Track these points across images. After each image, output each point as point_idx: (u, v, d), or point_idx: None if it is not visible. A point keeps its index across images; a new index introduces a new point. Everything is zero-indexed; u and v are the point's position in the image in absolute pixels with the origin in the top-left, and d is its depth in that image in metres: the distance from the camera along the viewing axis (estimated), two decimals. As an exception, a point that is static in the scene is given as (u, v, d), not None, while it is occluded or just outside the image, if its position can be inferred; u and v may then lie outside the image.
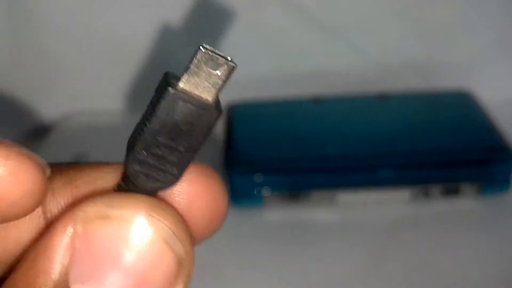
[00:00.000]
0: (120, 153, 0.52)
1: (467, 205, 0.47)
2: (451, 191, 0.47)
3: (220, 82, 0.19)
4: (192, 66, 0.19)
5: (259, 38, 0.55)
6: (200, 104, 0.19)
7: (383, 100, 0.53)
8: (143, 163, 0.20)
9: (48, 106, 0.57)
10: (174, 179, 0.20)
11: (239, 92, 0.55)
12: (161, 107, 0.19)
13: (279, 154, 0.48)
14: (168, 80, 0.19)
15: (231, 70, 0.19)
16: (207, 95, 0.19)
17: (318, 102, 0.53)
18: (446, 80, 0.56)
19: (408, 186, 0.47)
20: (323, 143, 0.48)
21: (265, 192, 0.46)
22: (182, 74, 0.19)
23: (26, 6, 0.53)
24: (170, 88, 0.19)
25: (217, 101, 0.20)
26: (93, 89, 0.56)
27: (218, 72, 0.19)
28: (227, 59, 0.19)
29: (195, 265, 0.20)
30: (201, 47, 0.19)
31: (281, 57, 0.56)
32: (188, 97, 0.19)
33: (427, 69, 0.57)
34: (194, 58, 0.19)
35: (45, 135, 0.53)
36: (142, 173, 0.20)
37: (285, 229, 0.46)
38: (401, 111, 0.53)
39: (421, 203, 0.47)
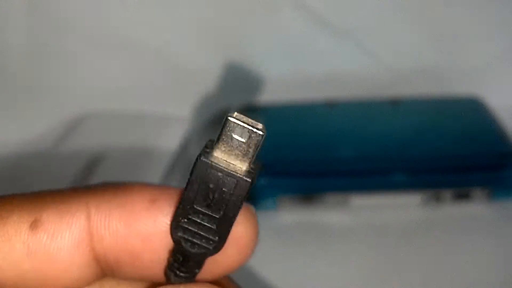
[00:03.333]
0: (136, 154, 0.52)
1: (478, 209, 0.47)
2: (462, 195, 0.47)
3: (251, 151, 0.20)
4: (222, 136, 0.20)
5: (273, 42, 0.55)
6: (230, 174, 0.20)
7: (395, 105, 0.54)
8: (186, 229, 0.21)
9: (65, 107, 0.57)
10: (217, 245, 0.21)
11: (252, 94, 0.56)
12: (194, 176, 0.20)
13: (292, 157, 0.48)
14: (203, 149, 0.20)
15: (260, 138, 0.20)
16: (240, 163, 0.20)
17: (331, 106, 0.54)
18: (458, 86, 0.56)
19: (419, 190, 0.47)
20: (336, 146, 0.49)
21: (279, 194, 0.47)
22: (215, 143, 0.20)
23: (44, 6, 0.53)
24: (201, 158, 0.20)
25: (251, 170, 0.20)
26: (110, 91, 0.57)
27: (248, 141, 0.20)
28: (255, 128, 0.19)
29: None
30: (229, 117, 0.19)
31: (296, 61, 0.56)
32: (218, 166, 0.20)
33: (439, 75, 0.57)
34: (225, 128, 0.20)
35: (62, 136, 0.53)
36: (186, 240, 0.21)
37: (298, 231, 0.47)
38: (412, 116, 0.53)
39: (432, 207, 0.47)
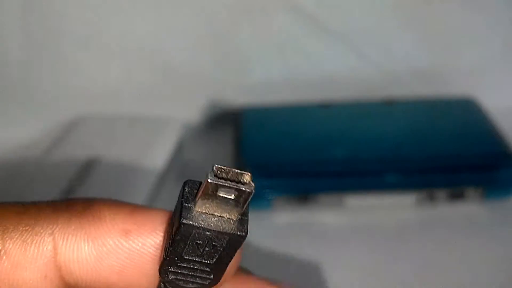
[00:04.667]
0: (130, 157, 0.52)
1: (472, 209, 0.47)
2: (456, 195, 0.47)
3: (240, 206, 0.18)
4: (205, 194, 0.18)
5: (267, 45, 0.56)
6: (218, 232, 0.18)
7: (389, 106, 0.54)
8: (176, 274, 0.20)
9: (61, 109, 0.57)
10: (212, 282, 0.20)
11: (249, 97, 0.56)
12: (178, 236, 0.18)
13: (287, 158, 0.48)
14: (183, 205, 0.18)
15: (248, 196, 0.18)
16: (229, 215, 0.18)
17: (325, 107, 0.54)
18: (451, 86, 0.56)
19: (414, 191, 0.47)
20: (331, 147, 0.49)
21: (273, 195, 0.47)
22: (197, 196, 0.18)
23: (39, 10, 0.54)
24: (183, 220, 0.18)
25: (241, 220, 0.18)
26: (106, 93, 0.57)
27: (235, 198, 0.18)
28: (241, 185, 0.18)
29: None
30: (208, 180, 0.17)
31: (290, 63, 0.56)
32: (204, 226, 0.18)
33: (433, 76, 0.57)
34: (204, 188, 0.18)
35: (57, 139, 0.53)
36: (177, 280, 0.20)
37: (293, 232, 0.47)
38: (407, 117, 0.53)
39: (427, 207, 0.47)
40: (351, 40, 0.55)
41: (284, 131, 0.52)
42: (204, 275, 0.20)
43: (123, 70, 0.56)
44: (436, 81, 0.58)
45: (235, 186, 0.18)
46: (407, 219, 0.47)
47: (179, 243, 0.19)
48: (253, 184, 0.18)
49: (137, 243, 0.20)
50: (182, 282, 0.20)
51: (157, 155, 0.50)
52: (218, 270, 0.20)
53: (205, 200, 0.18)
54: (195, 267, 0.19)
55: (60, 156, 0.50)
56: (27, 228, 0.20)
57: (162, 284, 0.21)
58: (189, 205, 0.18)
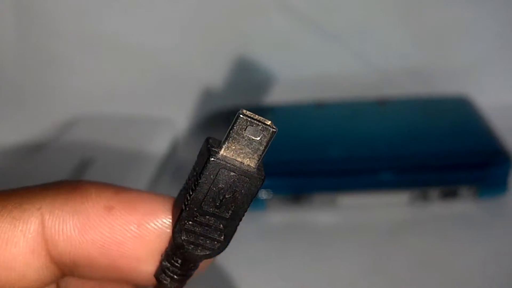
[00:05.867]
0: (127, 156, 0.52)
1: (465, 207, 0.47)
2: (449, 194, 0.47)
3: (261, 148, 0.20)
4: (232, 133, 0.19)
5: (262, 45, 0.56)
6: (242, 172, 0.19)
7: (383, 105, 0.54)
8: (190, 232, 0.20)
9: (56, 111, 0.57)
10: (221, 246, 0.20)
11: (242, 97, 0.56)
12: (203, 176, 0.19)
13: (281, 158, 0.48)
14: (209, 148, 0.19)
15: (272, 135, 0.20)
16: (249, 161, 0.20)
17: (319, 107, 0.54)
18: (445, 85, 0.57)
19: (407, 189, 0.47)
20: (325, 146, 0.49)
21: (268, 194, 0.47)
22: (223, 141, 0.19)
23: (33, 10, 0.54)
24: (211, 158, 0.19)
25: (259, 168, 0.20)
26: (100, 94, 0.57)
27: (259, 138, 0.19)
28: (267, 124, 0.19)
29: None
30: (240, 114, 0.19)
31: (284, 63, 0.56)
32: (230, 165, 0.19)
33: (426, 75, 0.57)
34: (234, 125, 0.19)
35: (53, 139, 0.53)
36: (189, 242, 0.20)
37: (287, 231, 0.47)
38: (400, 116, 0.54)
39: (420, 205, 0.48)
40: (345, 39, 0.55)
41: (278, 130, 0.51)
42: (215, 236, 0.20)
43: (118, 71, 0.56)
44: (429, 80, 0.58)
45: (263, 123, 0.19)
46: (400, 217, 0.47)
47: (203, 186, 0.19)
48: (276, 128, 0.20)
49: (119, 220, 0.21)
50: (193, 246, 0.20)
51: (152, 155, 0.50)
52: (229, 230, 0.20)
53: (230, 144, 0.19)
54: (210, 223, 0.20)
55: (54, 157, 0.50)
56: (16, 205, 0.21)
57: (169, 251, 0.21)
58: (215, 149, 0.19)
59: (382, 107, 0.54)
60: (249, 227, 0.46)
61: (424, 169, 0.48)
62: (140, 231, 0.21)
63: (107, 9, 0.54)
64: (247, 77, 0.57)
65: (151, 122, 0.54)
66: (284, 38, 0.56)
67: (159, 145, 0.52)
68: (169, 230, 0.21)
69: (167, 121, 0.54)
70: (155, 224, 0.21)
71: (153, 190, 0.48)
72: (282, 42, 0.56)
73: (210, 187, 0.19)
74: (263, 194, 0.47)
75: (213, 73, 0.57)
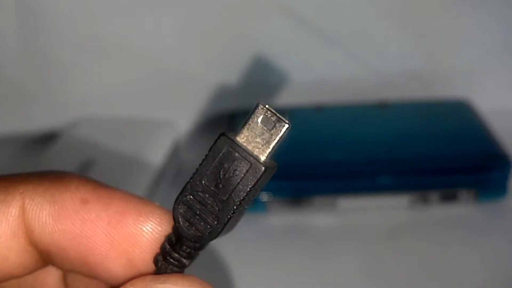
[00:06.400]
0: (126, 160, 0.52)
1: (465, 211, 0.48)
2: (449, 197, 0.48)
3: (273, 140, 0.20)
4: (249, 121, 0.20)
5: (262, 48, 0.56)
6: (247, 157, 0.20)
7: (383, 108, 0.54)
8: (188, 207, 0.20)
9: (57, 112, 0.57)
10: (213, 231, 0.20)
11: (242, 100, 0.56)
12: (211, 151, 0.20)
13: (281, 161, 0.48)
14: (224, 132, 0.20)
15: (285, 130, 0.20)
16: (258, 152, 0.20)
17: (319, 110, 0.54)
18: (445, 89, 0.57)
19: (407, 192, 0.48)
20: (325, 150, 0.49)
21: (268, 197, 0.47)
22: (239, 129, 0.20)
23: (35, 12, 0.54)
24: (223, 135, 0.20)
25: (265, 159, 0.20)
26: (101, 96, 0.57)
27: (272, 131, 0.20)
28: (282, 118, 0.20)
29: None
30: (260, 104, 0.20)
31: (284, 66, 0.56)
32: (238, 147, 0.20)
33: (426, 78, 0.58)
34: (252, 114, 0.20)
35: (54, 141, 0.53)
36: (185, 219, 0.21)
37: (287, 234, 0.47)
38: (400, 119, 0.54)
39: (420, 208, 0.48)
40: (345, 43, 0.55)
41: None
42: (209, 219, 0.20)
43: (119, 73, 0.56)
44: (429, 83, 0.58)
45: (278, 116, 0.20)
46: (400, 220, 0.47)
47: (209, 160, 0.20)
48: (290, 124, 0.20)
49: (92, 214, 0.21)
50: (187, 224, 0.21)
51: (153, 157, 0.50)
52: (223, 215, 0.20)
53: (244, 131, 0.20)
54: (207, 203, 0.20)
55: (56, 158, 0.50)
56: (1, 189, 0.21)
57: (171, 234, 0.21)
58: (231, 132, 0.20)
59: (382, 111, 0.54)
60: (249, 229, 0.46)
61: (424, 172, 0.48)
62: (109, 228, 0.21)
63: (109, 11, 0.54)
64: (248, 80, 0.57)
65: (152, 125, 0.54)
66: (285, 41, 0.56)
67: (160, 147, 0.52)
68: (138, 232, 0.21)
69: (168, 124, 0.54)
70: (124, 224, 0.21)
71: (153, 192, 0.48)
72: (283, 45, 0.56)
73: (214, 163, 0.20)
74: (263, 197, 0.47)
75: (214, 76, 0.57)
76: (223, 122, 0.57)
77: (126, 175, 0.48)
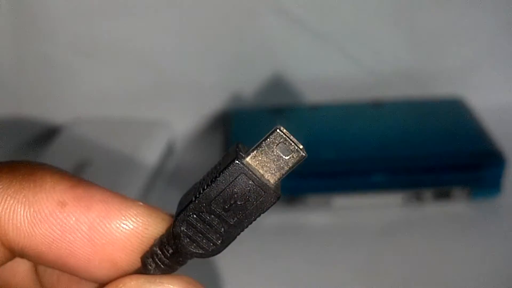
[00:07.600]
0: (122, 160, 0.52)
1: (458, 208, 0.48)
2: (443, 195, 0.48)
3: (286, 168, 0.20)
4: (264, 145, 0.19)
5: (255, 47, 0.56)
6: (260, 184, 0.19)
7: (377, 107, 0.54)
8: (191, 225, 0.20)
9: (53, 113, 0.57)
10: (215, 250, 0.20)
11: (237, 99, 0.57)
12: (223, 176, 0.19)
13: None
14: (238, 152, 0.19)
15: (300, 159, 0.19)
16: (270, 177, 0.20)
17: (313, 109, 0.54)
18: (439, 87, 0.57)
19: (401, 190, 0.48)
20: (319, 148, 0.49)
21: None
22: (252, 149, 0.19)
23: (31, 14, 0.54)
24: (237, 160, 0.19)
25: (277, 185, 0.20)
26: (97, 96, 0.57)
27: (287, 158, 0.19)
28: (299, 147, 0.19)
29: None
30: (278, 129, 0.19)
31: (278, 65, 0.57)
32: (251, 174, 0.19)
33: (420, 77, 0.58)
34: (268, 138, 0.19)
35: (49, 142, 0.53)
36: (186, 235, 0.20)
37: (282, 232, 0.47)
38: (394, 118, 0.54)
39: (414, 206, 0.48)
40: (339, 42, 0.56)
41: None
42: (213, 238, 0.20)
43: (115, 73, 0.56)
44: (423, 82, 0.58)
45: (296, 144, 0.19)
46: (394, 218, 0.47)
47: (219, 185, 0.19)
48: (306, 154, 0.19)
49: (71, 218, 0.20)
50: (188, 240, 0.20)
51: (148, 157, 0.51)
52: (229, 236, 0.20)
53: (258, 154, 0.19)
54: (213, 224, 0.20)
55: (51, 159, 0.50)
56: None
57: (164, 239, 0.21)
58: (243, 154, 0.19)
59: (376, 109, 0.54)
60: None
61: (418, 170, 0.48)
62: (91, 233, 0.20)
63: (104, 12, 0.54)
64: (243, 80, 0.57)
65: (148, 125, 0.54)
66: (279, 41, 0.56)
67: (155, 147, 0.52)
68: (122, 236, 0.20)
69: (164, 124, 0.55)
70: (107, 228, 0.20)
71: (148, 193, 0.48)
72: (278, 45, 0.56)
73: (225, 188, 0.19)
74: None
75: (210, 76, 0.57)
76: (218, 122, 0.57)
77: (122, 175, 0.48)
